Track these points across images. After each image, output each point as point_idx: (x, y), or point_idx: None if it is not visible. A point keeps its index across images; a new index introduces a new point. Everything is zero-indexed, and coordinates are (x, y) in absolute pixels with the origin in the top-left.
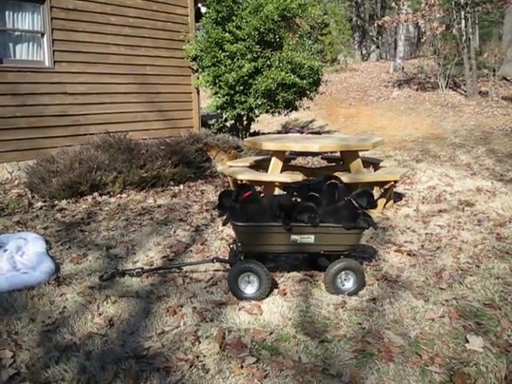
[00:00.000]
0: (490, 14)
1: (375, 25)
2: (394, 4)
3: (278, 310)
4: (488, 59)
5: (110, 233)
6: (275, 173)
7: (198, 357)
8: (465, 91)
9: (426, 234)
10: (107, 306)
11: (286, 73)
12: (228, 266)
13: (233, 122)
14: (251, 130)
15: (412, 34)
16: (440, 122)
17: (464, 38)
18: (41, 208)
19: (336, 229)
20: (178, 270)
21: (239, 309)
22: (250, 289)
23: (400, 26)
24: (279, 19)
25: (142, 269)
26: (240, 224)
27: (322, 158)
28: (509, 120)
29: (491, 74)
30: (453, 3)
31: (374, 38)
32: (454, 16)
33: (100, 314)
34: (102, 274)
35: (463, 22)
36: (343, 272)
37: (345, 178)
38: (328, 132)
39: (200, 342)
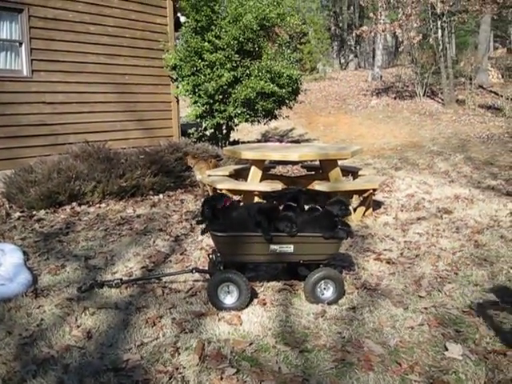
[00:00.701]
0: (466, 23)
1: (353, 34)
2: (372, 14)
3: (258, 320)
4: (464, 68)
5: (89, 243)
6: (254, 182)
7: (177, 368)
8: (442, 99)
9: (405, 241)
10: (85, 318)
11: (265, 82)
12: (207, 276)
13: (212, 130)
14: (231, 139)
15: (390, 43)
16: (418, 130)
17: (441, 47)
18: (18, 218)
19: (315, 238)
20: (157, 281)
21: (219, 319)
22: (229, 299)
23: (378, 35)
24: (258, 29)
25: (121, 280)
26: (219, 234)
27: (301, 167)
28: (485, 128)
29: (468, 83)
30: (429, 13)
31: (353, 47)
32: (431, 26)
33: (78, 327)
34: (80, 286)
35: (440, 31)
36: (323, 281)
37: (324, 186)
38: (307, 140)
39: (179, 354)
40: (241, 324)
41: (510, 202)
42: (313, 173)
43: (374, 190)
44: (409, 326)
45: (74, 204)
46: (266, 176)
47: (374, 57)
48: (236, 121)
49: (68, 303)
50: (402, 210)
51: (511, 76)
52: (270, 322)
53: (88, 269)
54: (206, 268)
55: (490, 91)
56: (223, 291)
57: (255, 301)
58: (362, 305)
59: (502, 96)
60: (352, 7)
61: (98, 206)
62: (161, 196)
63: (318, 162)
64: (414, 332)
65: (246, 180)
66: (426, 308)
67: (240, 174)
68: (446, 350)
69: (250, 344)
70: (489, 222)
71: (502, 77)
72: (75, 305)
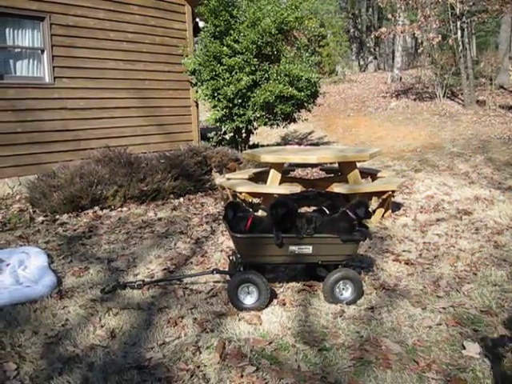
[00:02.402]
0: (486, 23)
1: (372, 36)
2: (390, 15)
3: (278, 320)
4: (485, 68)
5: (111, 246)
6: (274, 184)
7: (198, 367)
8: (462, 100)
9: (424, 242)
10: (109, 318)
11: (284, 85)
12: (228, 277)
13: (232, 134)
14: (250, 143)
15: (409, 44)
16: (438, 131)
17: (461, 47)
18: (42, 222)
19: (333, 239)
20: (178, 282)
21: (239, 319)
22: (249, 299)
23: (397, 37)
24: (276, 32)
25: (143, 281)
26: (239, 235)
27: (320, 170)
28: (506, 128)
29: (488, 83)
30: (449, 14)
31: (372, 49)
32: (451, 26)
33: (102, 326)
34: (103, 287)
35: (459, 32)
36: (341, 282)
37: (343, 188)
38: (327, 143)
39: (201, 352)
40: (261, 324)
41: None
42: (332, 175)
43: (393, 191)
44: (427, 326)
45: (96, 208)
46: (285, 179)
47: (393, 58)
48: (255, 124)
49: (92, 304)
50: (421, 212)
51: None
52: (289, 322)
53: (111, 271)
54: (227, 269)
55: (511, 92)
56: (243, 292)
57: (275, 301)
58: (381, 305)
59: None
60: (370, 9)
61: (119, 209)
62: (181, 199)
63: (336, 165)
64: (432, 331)
65: (265, 183)
66: (444, 308)
67: (259, 177)
68: (464, 348)
69: (270, 343)
70: (509, 223)
71: None
72: (99, 305)
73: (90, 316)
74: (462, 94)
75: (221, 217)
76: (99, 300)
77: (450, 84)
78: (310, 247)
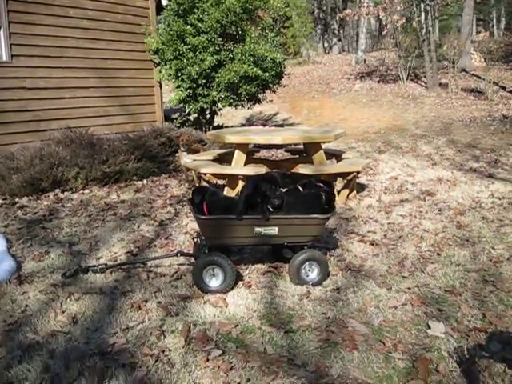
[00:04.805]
0: (449, 7)
1: (337, 18)
2: None
3: (243, 302)
4: (447, 51)
5: (73, 229)
6: (239, 166)
7: (163, 351)
8: (425, 83)
9: (389, 223)
10: (70, 304)
11: (249, 65)
12: (192, 259)
13: (196, 115)
14: (215, 124)
15: (373, 26)
16: (401, 113)
17: (424, 30)
18: (1, 206)
19: (299, 220)
20: (142, 265)
21: (204, 302)
22: (214, 282)
23: (361, 19)
24: (241, 11)
25: (106, 265)
26: (202, 217)
27: (285, 151)
28: (468, 111)
29: (451, 66)
30: None
31: (336, 31)
32: (415, 9)
33: (63, 312)
34: (64, 271)
35: (423, 14)
36: (307, 263)
37: (308, 169)
38: (291, 124)
39: (165, 337)
40: (226, 306)
41: (492, 184)
42: (297, 156)
43: (358, 172)
44: (392, 306)
45: (57, 190)
46: (250, 160)
47: (357, 40)
48: (220, 105)
49: (53, 289)
50: (385, 193)
51: (493, 59)
52: (255, 304)
53: (72, 255)
54: (191, 252)
55: (473, 75)
56: (208, 274)
57: (240, 283)
58: (346, 286)
59: (484, 79)
60: None
61: (81, 192)
62: (145, 181)
63: (302, 146)
64: (398, 311)
65: (230, 164)
66: (409, 288)
67: (224, 159)
68: (429, 328)
69: (236, 326)
70: (471, 204)
71: (485, 60)
72: (60, 290)
73: (51, 301)
74: (425, 76)
75: (185, 198)
76: (60, 285)
77: (414, 67)
78: (276, 228)
